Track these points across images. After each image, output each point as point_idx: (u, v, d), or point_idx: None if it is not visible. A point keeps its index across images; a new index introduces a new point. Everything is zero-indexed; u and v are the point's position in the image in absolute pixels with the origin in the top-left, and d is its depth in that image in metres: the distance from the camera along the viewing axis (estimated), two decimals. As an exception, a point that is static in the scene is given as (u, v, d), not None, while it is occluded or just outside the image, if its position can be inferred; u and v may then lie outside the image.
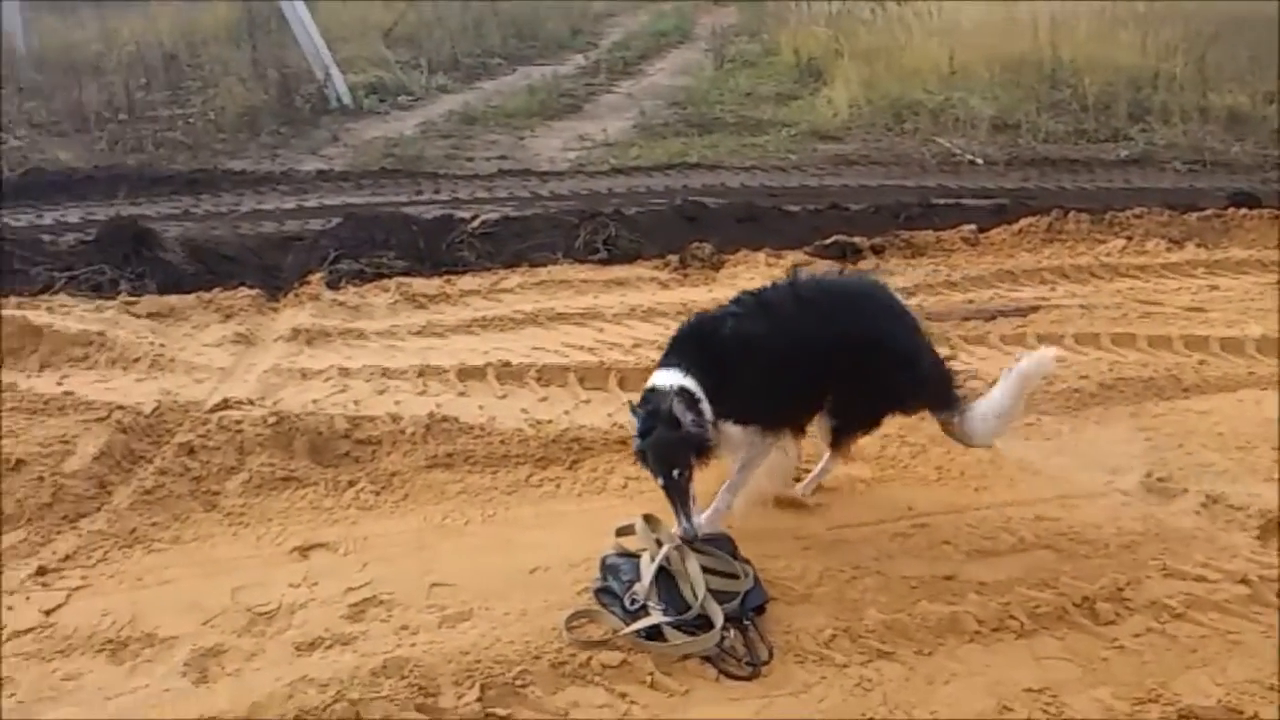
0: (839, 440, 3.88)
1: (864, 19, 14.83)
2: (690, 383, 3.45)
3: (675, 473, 3.37)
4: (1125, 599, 3.45)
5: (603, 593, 3.43)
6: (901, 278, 6.48)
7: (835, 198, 8.32)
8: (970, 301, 6.15)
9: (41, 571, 3.65)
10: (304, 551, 3.78)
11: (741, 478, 3.76)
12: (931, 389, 3.85)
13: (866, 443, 4.43)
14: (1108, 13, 13.52)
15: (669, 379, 3.47)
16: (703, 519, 3.66)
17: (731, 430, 3.55)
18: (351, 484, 4.21)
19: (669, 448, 3.37)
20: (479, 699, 3.01)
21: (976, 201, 8.28)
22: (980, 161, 9.82)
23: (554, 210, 8.03)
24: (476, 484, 4.21)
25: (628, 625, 3.25)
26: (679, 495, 3.39)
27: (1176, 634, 3.31)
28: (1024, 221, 7.30)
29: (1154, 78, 11.75)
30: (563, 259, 6.77)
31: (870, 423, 3.91)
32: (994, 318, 5.82)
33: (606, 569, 3.49)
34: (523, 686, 3.07)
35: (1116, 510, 4.00)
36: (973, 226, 7.25)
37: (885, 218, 7.60)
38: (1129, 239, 7.09)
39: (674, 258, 6.68)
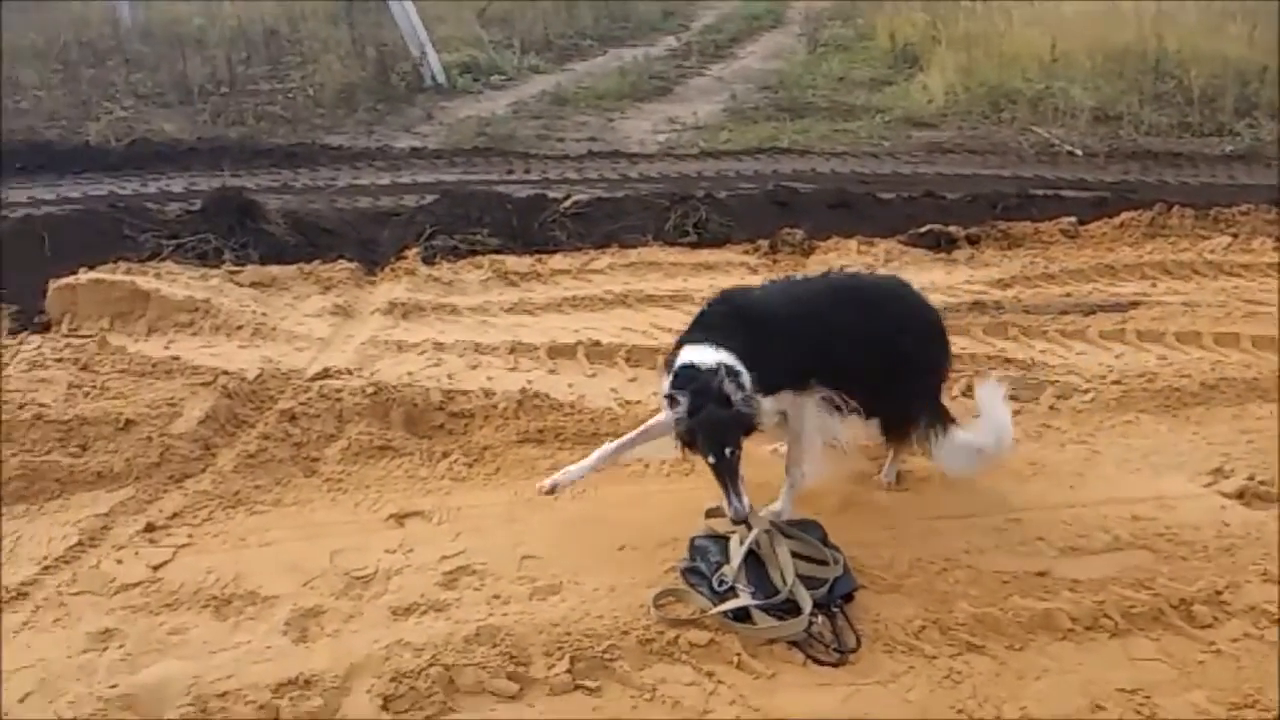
0: (889, 436, 3.90)
1: (963, 4, 14.53)
2: (729, 358, 3.37)
3: (728, 451, 3.31)
4: (1223, 603, 3.38)
5: (690, 573, 3.46)
6: (997, 269, 6.38)
7: (929, 186, 8.19)
8: (1068, 295, 6.03)
9: (149, 528, 3.80)
10: (399, 519, 3.87)
11: (797, 449, 3.73)
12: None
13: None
14: (1215, 4, 13.06)
15: (706, 356, 3.38)
16: (780, 504, 3.67)
17: (766, 403, 3.48)
18: (445, 455, 4.29)
19: (721, 426, 3.31)
20: (569, 670, 3.07)
21: (1076, 193, 8.08)
22: (1080, 153, 9.57)
23: (644, 192, 8.04)
24: (566, 460, 4.21)
25: (715, 606, 3.27)
26: (730, 474, 3.32)
27: (1275, 640, 3.23)
28: (1125, 215, 7.11)
29: (1261, 71, 11.31)
30: (653, 241, 6.79)
31: (907, 405, 3.85)
32: (1093, 312, 5.69)
33: (695, 550, 3.51)
34: (611, 660, 3.11)
35: (1216, 513, 3.90)
36: (1072, 219, 7.10)
37: (981, 207, 7.46)
38: (1234, 236, 6.87)
39: (764, 242, 6.66)
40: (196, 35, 13.36)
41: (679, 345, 3.54)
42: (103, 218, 6.70)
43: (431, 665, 3.04)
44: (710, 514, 3.60)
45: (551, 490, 3.68)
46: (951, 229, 6.86)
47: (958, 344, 5.22)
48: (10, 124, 10.47)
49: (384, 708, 2.93)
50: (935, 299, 5.84)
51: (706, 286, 6.09)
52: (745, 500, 3.32)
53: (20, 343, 4.97)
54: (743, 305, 3.66)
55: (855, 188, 8.09)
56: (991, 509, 3.90)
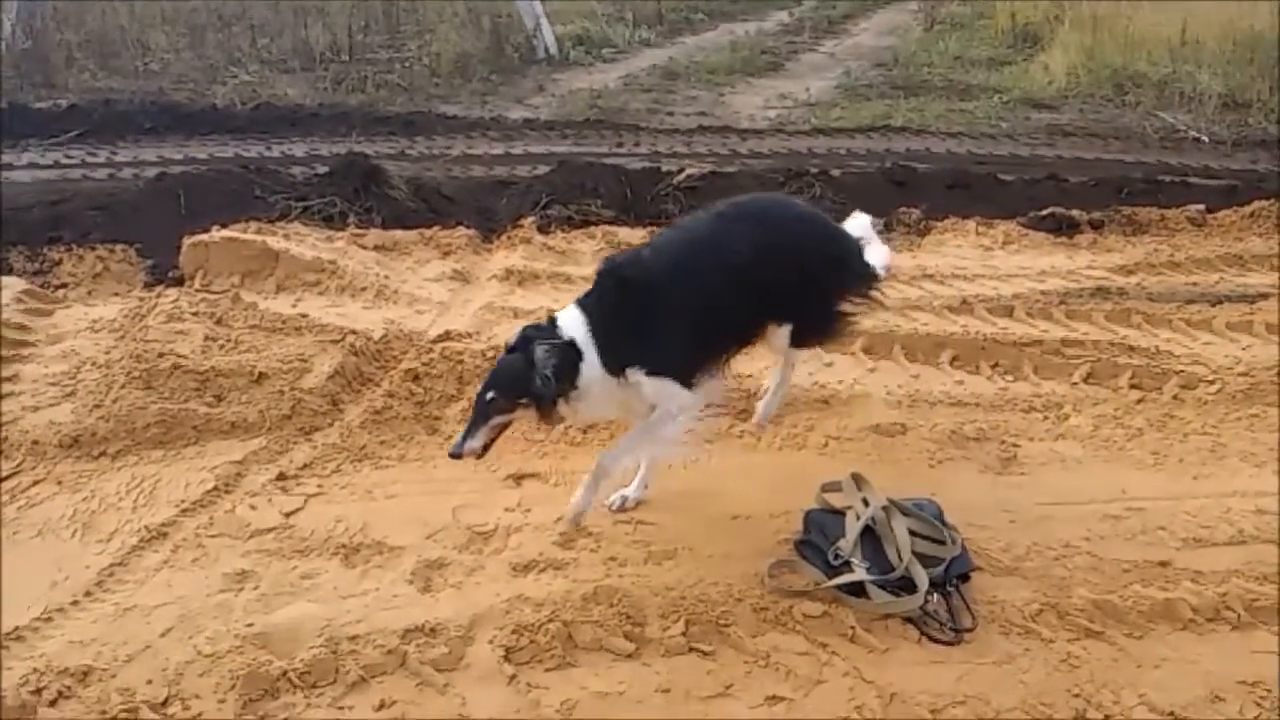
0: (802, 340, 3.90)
1: (1088, -15, 14.10)
2: (583, 334, 3.39)
3: (489, 396, 3.36)
4: (1349, 599, 3.29)
5: (804, 545, 3.48)
6: (1120, 255, 6.23)
7: (1049, 168, 8.02)
8: (1194, 284, 5.86)
9: (281, 477, 3.96)
10: (517, 479, 3.97)
11: (644, 436, 3.60)
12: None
13: (1079, 422, 4.34)
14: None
15: (570, 324, 3.42)
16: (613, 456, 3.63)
17: (643, 380, 3.45)
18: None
19: (506, 375, 3.40)
20: (683, 633, 3.13)
21: (1203, 181, 7.83)
22: (1207, 139, 9.25)
23: (756, 168, 8.03)
24: (680, 431, 4.30)
25: (830, 579, 3.29)
26: (480, 417, 3.37)
27: (1400, 638, 3.14)
28: (1256, 205, 6.85)
29: (1402, 62, 10.79)
30: (766, 216, 6.76)
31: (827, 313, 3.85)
32: (1219, 303, 5.53)
33: (810, 523, 3.53)
34: (725, 626, 3.16)
35: (1347, 510, 3.79)
36: (1200, 206, 6.88)
37: (1106, 192, 7.27)
38: (1369, 229, 6.59)
39: (880, 221, 6.58)
40: (319, 3, 13.66)
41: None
42: (235, 178, 6.94)
43: (551, 620, 3.12)
44: (826, 489, 3.61)
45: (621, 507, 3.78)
46: (1074, 213, 6.70)
47: (1079, 330, 5.15)
48: (141, 85, 10.90)
49: (506, 658, 3.02)
50: (1055, 284, 5.79)
51: (819, 263, 6.08)
52: (473, 444, 3.36)
53: (158, 295, 5.19)
54: (627, 278, 3.54)
55: (973, 168, 7.97)
56: (1111, 497, 3.83)
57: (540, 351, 3.32)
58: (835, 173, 7.56)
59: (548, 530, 3.63)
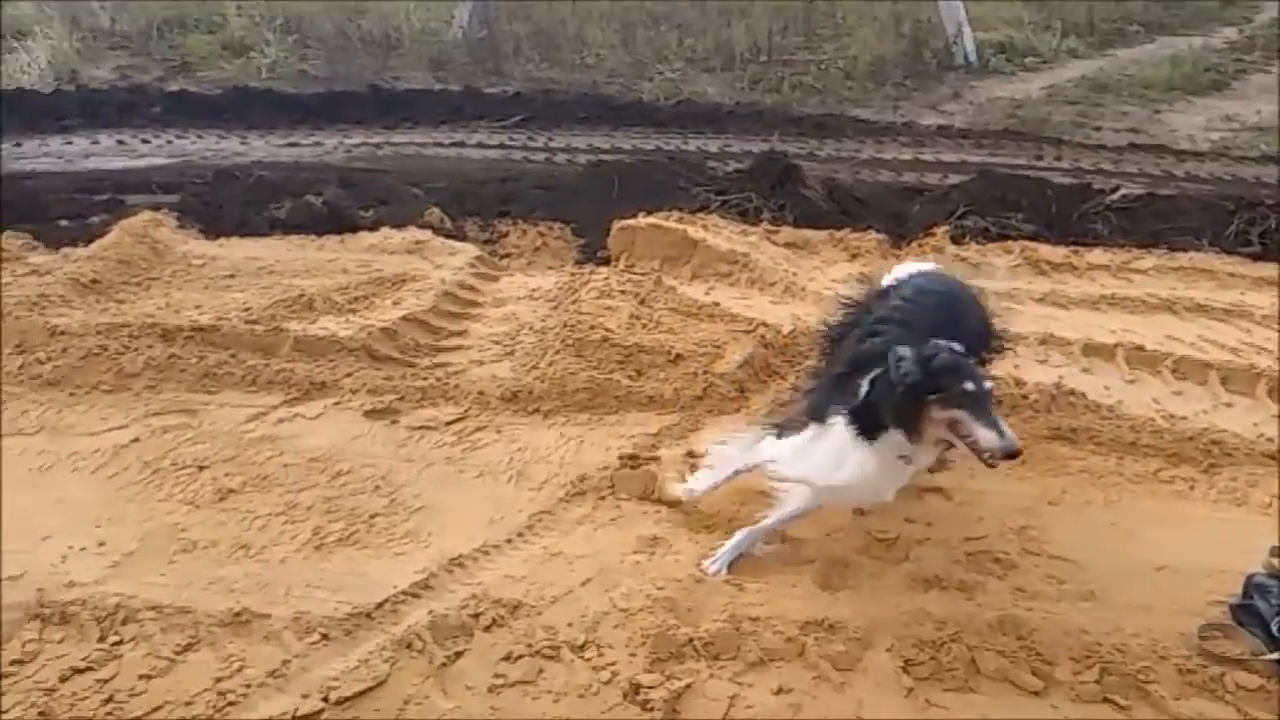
0: None
1: None
2: None
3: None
4: None
5: (1243, 610, 3.17)
6: None
7: None
8: None
9: (690, 454, 4.12)
10: (919, 493, 3.89)
11: None
12: None
13: None
14: None
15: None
16: None
17: None
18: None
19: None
20: (1097, 682, 2.95)
21: None
22: None
23: (1191, 192, 7.37)
24: (1099, 466, 4.04)
25: (1271, 651, 2.97)
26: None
27: None
28: None
29: None
30: (1208, 247, 6.20)
31: None
32: None
33: (1253, 587, 3.20)
34: (1146, 683, 2.96)
35: None
36: None
37: None
38: None
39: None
40: (742, 4, 14.07)
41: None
42: (662, 169, 7.32)
43: (953, 641, 3.05)
44: (1277, 553, 3.25)
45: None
46: None
47: None
48: (577, 78, 11.75)
49: (904, 669, 2.99)
50: None
51: (1268, 304, 5.49)
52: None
53: (589, 273, 5.60)
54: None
55: None
56: None
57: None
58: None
59: (951, 548, 3.54)
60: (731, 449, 3.72)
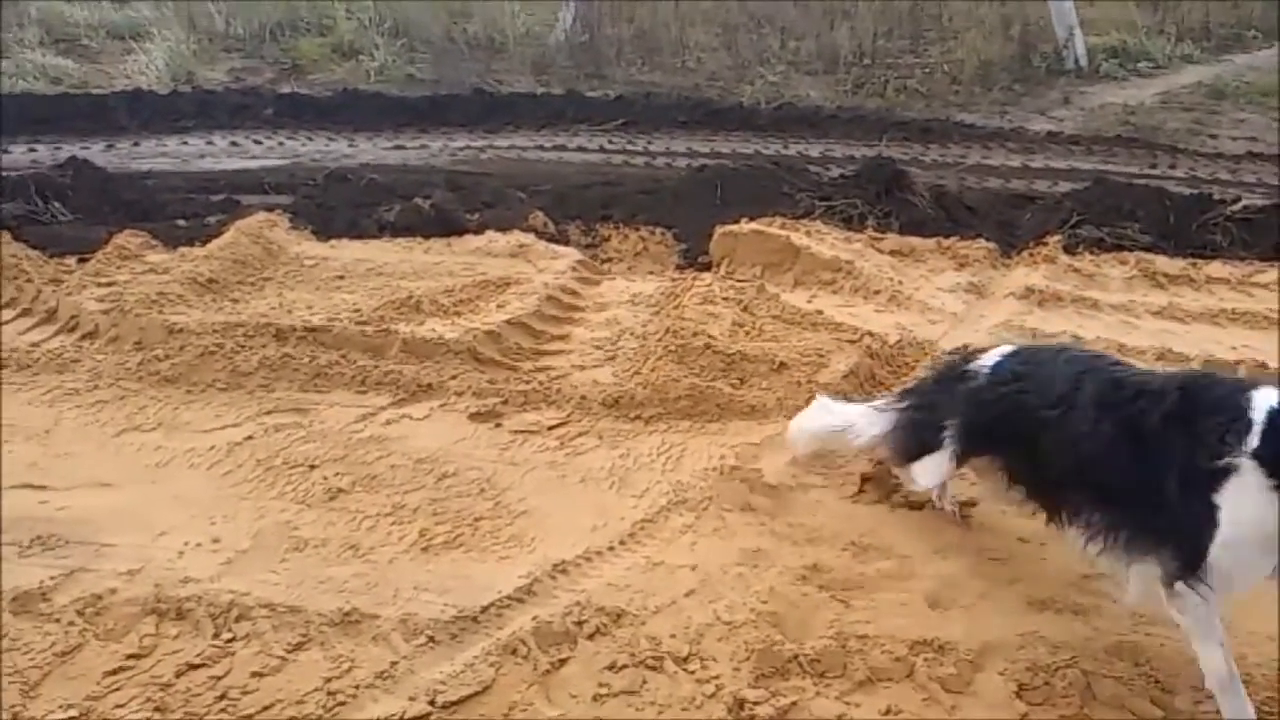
0: None
1: None
2: None
3: None
4: None
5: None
6: None
7: None
8: None
9: (793, 462, 4.07)
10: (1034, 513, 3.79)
11: None
12: None
13: None
14: None
15: None
16: None
17: None
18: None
19: None
20: (1219, 712, 2.83)
21: None
22: None
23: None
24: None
25: None
26: None
27: None
28: None
29: None
30: (1338, 262, 5.93)
31: None
32: None
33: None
34: (1270, 715, 2.84)
35: None
36: None
37: None
38: None
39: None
40: (846, 5, 13.92)
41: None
42: (765, 174, 7.27)
43: (1069, 666, 2.96)
44: None
45: None
46: None
47: None
48: (678, 81, 11.75)
49: (1017, 694, 2.91)
50: None
51: (1402, 324, 5.22)
52: None
53: (692, 278, 5.58)
54: None
55: None
56: None
57: None
58: None
59: (1065, 570, 3.43)
60: None
